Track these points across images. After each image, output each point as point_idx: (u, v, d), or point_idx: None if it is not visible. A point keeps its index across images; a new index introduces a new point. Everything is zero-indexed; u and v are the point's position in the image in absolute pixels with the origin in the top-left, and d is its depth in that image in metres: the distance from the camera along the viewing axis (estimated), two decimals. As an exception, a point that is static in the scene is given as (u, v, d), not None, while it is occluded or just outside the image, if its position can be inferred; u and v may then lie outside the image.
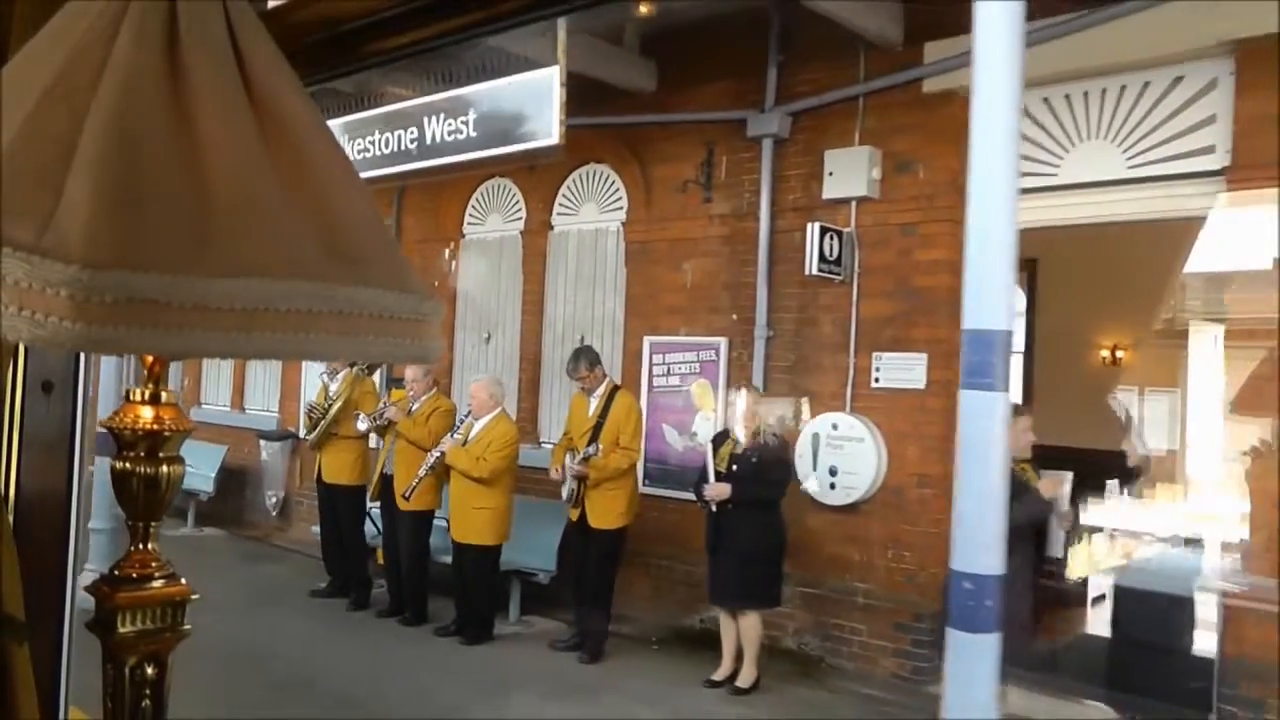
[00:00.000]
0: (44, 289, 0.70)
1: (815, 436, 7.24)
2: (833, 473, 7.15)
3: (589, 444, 7.08)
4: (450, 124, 7.26)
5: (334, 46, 1.10)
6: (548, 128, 6.64)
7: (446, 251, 10.03)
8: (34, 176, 0.74)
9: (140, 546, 0.96)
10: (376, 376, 9.09)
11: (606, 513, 7.12)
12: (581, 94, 7.85)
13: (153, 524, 0.96)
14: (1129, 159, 6.24)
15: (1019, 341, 11.38)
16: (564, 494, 7.22)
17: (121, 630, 0.93)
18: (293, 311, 0.78)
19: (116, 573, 0.95)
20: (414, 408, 7.96)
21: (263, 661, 6.47)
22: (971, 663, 3.73)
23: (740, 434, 6.67)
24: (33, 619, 1.09)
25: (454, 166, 7.41)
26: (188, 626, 0.97)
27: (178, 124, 0.79)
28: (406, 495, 7.68)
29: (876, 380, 7.10)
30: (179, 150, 0.78)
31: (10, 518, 1.20)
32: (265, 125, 0.82)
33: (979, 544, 3.76)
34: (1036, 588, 5.63)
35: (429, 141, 7.38)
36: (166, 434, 0.93)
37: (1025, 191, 6.65)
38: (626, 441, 7.15)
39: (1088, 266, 9.74)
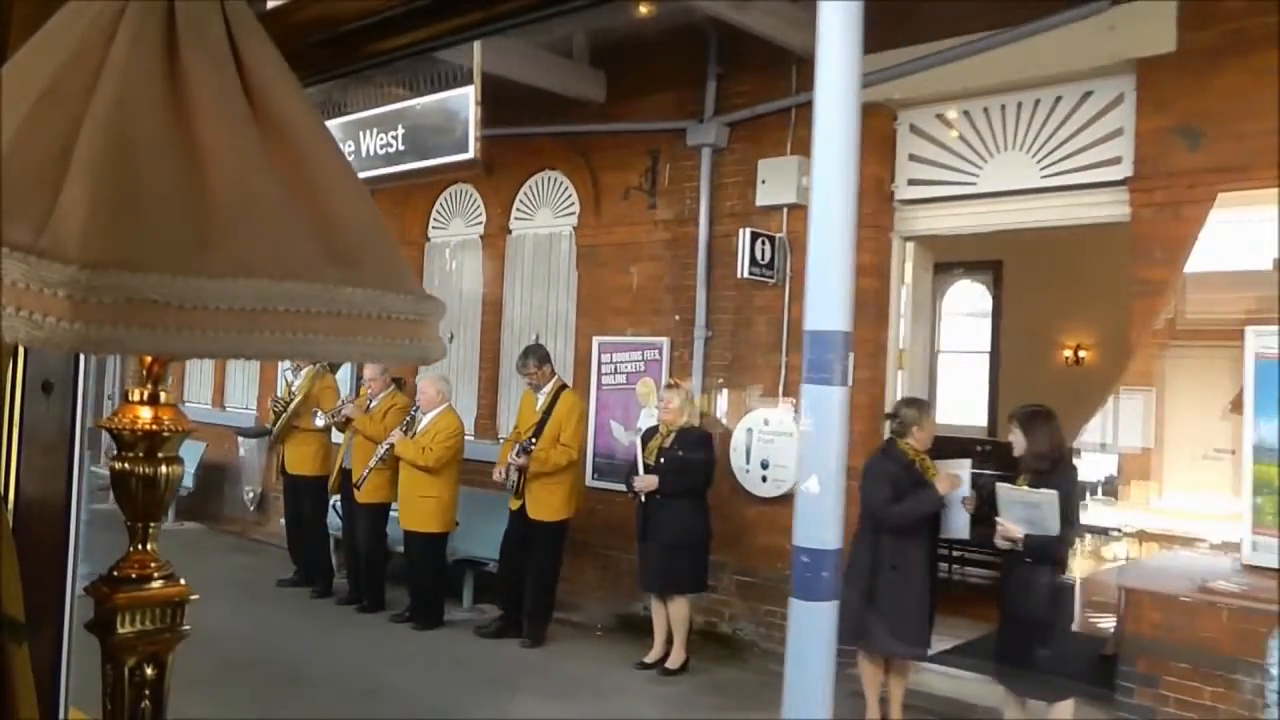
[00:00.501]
0: (42, 289, 0.66)
1: (749, 431, 7.25)
2: (764, 465, 7.16)
3: (531, 438, 7.09)
4: (382, 138, 7.24)
5: (334, 47, 1.05)
6: (464, 143, 6.68)
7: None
8: (31, 177, 0.71)
9: (139, 547, 0.92)
10: (342, 373, 9.02)
11: (545, 505, 7.11)
12: (535, 104, 7.88)
13: (152, 524, 0.92)
14: (1043, 169, 6.31)
15: (984, 341, 11.45)
16: (507, 485, 7.22)
17: (121, 631, 0.88)
18: (291, 312, 0.75)
19: (115, 573, 0.90)
20: (372, 404, 7.99)
21: (217, 643, 6.36)
22: (810, 628, 3.91)
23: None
24: (32, 619, 1.04)
25: (383, 179, 7.40)
26: (187, 627, 0.93)
27: (176, 125, 0.75)
28: (358, 485, 7.72)
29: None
30: (177, 151, 0.75)
31: (10, 518, 1.15)
32: (264, 126, 0.79)
33: (818, 521, 3.95)
34: (934, 571, 5.75)
35: (364, 154, 7.35)
36: (165, 434, 0.89)
37: (946, 199, 6.79)
38: (567, 439, 7.14)
39: (1052, 268, 9.76)
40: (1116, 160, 5.95)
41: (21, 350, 1.22)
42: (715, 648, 7.15)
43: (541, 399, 7.27)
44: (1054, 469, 5.20)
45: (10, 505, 1.24)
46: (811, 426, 4.14)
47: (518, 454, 7.06)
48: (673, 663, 6.66)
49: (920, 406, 5.77)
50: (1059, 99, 6.23)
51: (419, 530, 7.47)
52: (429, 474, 7.39)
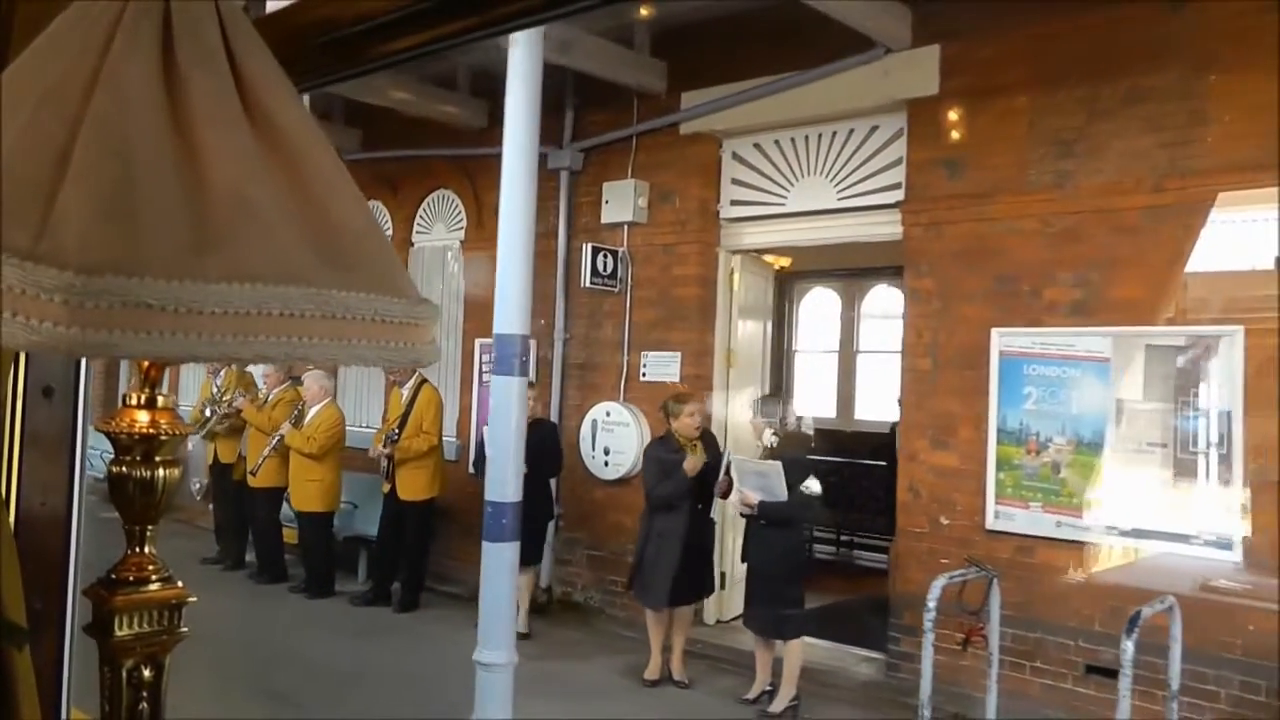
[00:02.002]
0: (38, 295, 0.58)
1: (594, 422, 7.17)
2: (606, 452, 7.09)
3: (396, 429, 7.03)
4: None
5: (337, 50, 0.95)
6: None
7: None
8: (28, 183, 0.61)
9: (137, 550, 0.81)
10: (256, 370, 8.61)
11: (411, 487, 7.05)
12: (433, 130, 7.81)
13: (149, 527, 0.81)
14: (838, 192, 6.39)
15: (895, 343, 11.28)
16: (380, 471, 7.19)
17: (119, 633, 0.78)
18: (285, 315, 0.66)
19: (114, 576, 0.80)
20: (270, 397, 7.76)
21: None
22: (496, 563, 4.24)
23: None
24: (34, 623, 0.91)
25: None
26: (185, 629, 0.82)
27: (172, 130, 0.66)
28: (253, 471, 7.57)
29: (644, 375, 7.08)
30: (173, 156, 0.65)
31: (11, 522, 1.00)
32: (260, 131, 0.69)
33: (500, 480, 4.26)
34: (702, 538, 5.76)
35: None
36: (163, 437, 0.78)
37: (760, 218, 6.88)
38: (427, 427, 7.07)
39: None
40: (897, 186, 6.04)
41: (22, 355, 1.07)
42: (568, 614, 7.10)
43: (406, 393, 7.16)
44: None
45: (12, 509, 1.10)
46: (496, 408, 4.42)
47: (386, 444, 7.02)
48: (518, 626, 6.57)
49: (679, 399, 5.74)
50: (851, 132, 6.31)
51: (307, 510, 7.35)
52: (314, 460, 7.27)
